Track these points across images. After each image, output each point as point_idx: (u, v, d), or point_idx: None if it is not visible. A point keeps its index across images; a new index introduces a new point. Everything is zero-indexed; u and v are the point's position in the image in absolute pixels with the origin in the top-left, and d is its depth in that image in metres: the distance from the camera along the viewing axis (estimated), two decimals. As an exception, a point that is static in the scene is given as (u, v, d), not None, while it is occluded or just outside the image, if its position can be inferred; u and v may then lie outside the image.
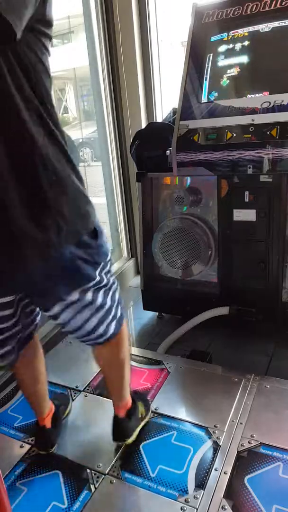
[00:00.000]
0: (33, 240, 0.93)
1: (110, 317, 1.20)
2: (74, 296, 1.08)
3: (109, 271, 1.17)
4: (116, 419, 1.45)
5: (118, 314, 1.24)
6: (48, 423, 1.49)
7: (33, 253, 0.94)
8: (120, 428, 1.45)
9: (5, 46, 0.82)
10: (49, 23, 0.92)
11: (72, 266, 1.02)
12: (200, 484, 1.32)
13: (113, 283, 1.20)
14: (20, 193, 0.89)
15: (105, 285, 1.15)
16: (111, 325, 1.22)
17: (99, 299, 1.14)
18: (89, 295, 1.11)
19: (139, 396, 1.62)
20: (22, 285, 1.07)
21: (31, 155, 0.88)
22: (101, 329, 1.19)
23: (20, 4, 0.77)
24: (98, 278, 1.10)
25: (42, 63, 0.91)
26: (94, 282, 1.09)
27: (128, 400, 1.47)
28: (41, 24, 0.89)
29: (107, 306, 1.17)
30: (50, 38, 0.94)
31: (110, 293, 1.19)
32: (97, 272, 1.10)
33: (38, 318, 1.32)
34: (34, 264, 0.97)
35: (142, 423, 1.54)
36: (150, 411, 1.61)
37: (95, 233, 1.06)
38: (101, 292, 1.15)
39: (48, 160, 0.90)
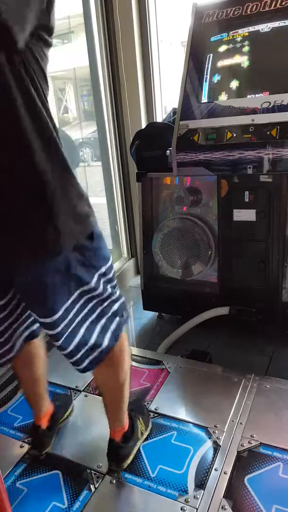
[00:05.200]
0: (27, 241, 0.92)
1: (98, 329, 1.11)
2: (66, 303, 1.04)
3: (109, 281, 1.11)
4: (111, 443, 1.38)
5: (111, 328, 1.14)
6: (44, 423, 1.48)
7: (26, 254, 0.94)
8: (114, 454, 1.38)
9: (11, 53, 0.82)
10: (51, 31, 0.92)
11: (67, 269, 0.99)
12: (200, 484, 1.32)
13: (111, 294, 1.12)
14: (16, 193, 0.90)
15: (100, 295, 1.09)
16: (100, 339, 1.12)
17: (88, 308, 1.08)
18: (80, 303, 1.06)
19: (138, 410, 1.54)
20: (16, 287, 1.07)
21: (29, 160, 0.88)
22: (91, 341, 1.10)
23: (23, 12, 0.78)
24: (93, 285, 1.05)
25: (42, 70, 0.91)
26: (87, 288, 1.05)
27: (125, 424, 1.39)
28: (44, 32, 0.89)
29: (95, 318, 1.10)
30: (50, 45, 0.94)
31: (105, 304, 1.11)
32: (94, 279, 1.05)
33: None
34: (27, 266, 0.96)
35: (141, 440, 1.47)
36: (150, 424, 1.54)
37: (92, 236, 1.03)
38: (93, 302, 1.09)
39: (44, 165, 0.90)
